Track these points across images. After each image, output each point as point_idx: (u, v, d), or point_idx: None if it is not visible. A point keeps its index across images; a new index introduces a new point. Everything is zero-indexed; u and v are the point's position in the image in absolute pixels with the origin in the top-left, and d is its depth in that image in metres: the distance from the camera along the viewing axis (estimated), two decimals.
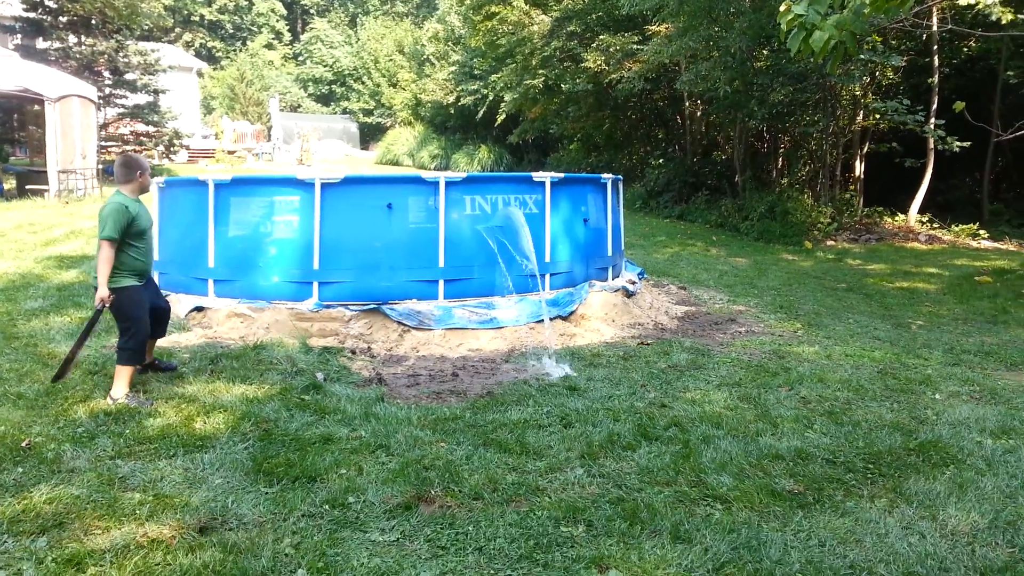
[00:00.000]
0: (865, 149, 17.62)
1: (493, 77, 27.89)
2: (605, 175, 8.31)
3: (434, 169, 35.92)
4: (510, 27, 21.27)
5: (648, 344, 7.02)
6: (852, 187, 17.71)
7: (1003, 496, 3.95)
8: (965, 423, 5.05)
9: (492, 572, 3.14)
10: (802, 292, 10.48)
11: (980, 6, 13.95)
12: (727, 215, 16.79)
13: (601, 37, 18.19)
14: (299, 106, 57.99)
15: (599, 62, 18.17)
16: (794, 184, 17.50)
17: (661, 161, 20.45)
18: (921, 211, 16.97)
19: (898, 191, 17.89)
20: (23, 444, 4.22)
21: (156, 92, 23.75)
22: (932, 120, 15.70)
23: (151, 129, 23.83)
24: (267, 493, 3.80)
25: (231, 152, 28.33)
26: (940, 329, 8.41)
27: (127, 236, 5.04)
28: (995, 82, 17.38)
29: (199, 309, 7.04)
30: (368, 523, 3.52)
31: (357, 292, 6.86)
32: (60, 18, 22.49)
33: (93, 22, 22.37)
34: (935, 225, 16.73)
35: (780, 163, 18.17)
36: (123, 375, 5.08)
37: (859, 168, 17.71)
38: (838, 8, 7.31)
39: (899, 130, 16.31)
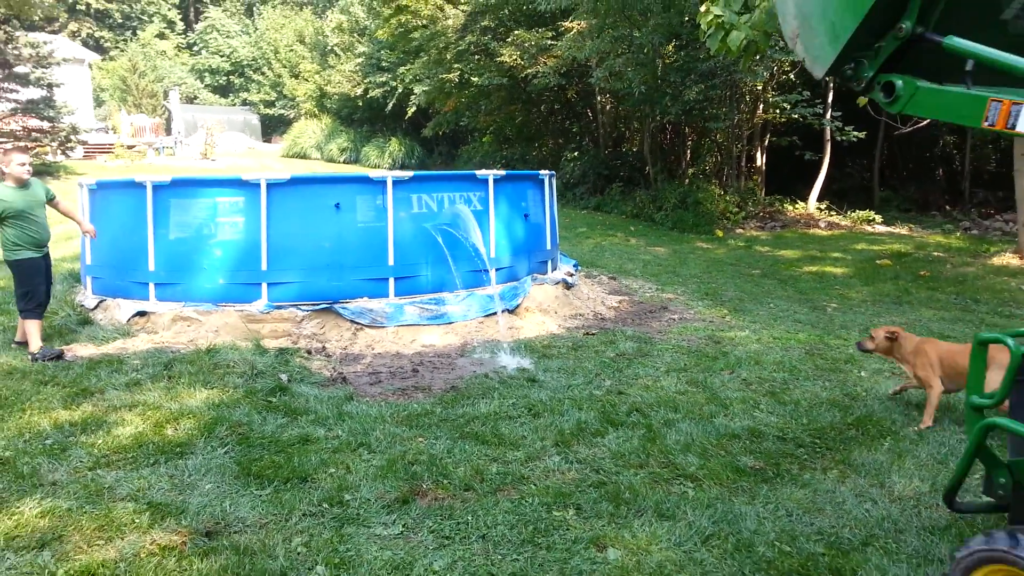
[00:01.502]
0: (766, 141, 18.52)
1: (401, 69, 27.75)
2: (542, 171, 8.55)
3: (343, 163, 35.47)
4: (423, 21, 21.25)
5: (593, 334, 7.30)
6: (755, 177, 18.59)
7: (936, 463, 4.39)
8: (892, 398, 5.53)
9: (499, 557, 3.32)
10: (722, 279, 11.02)
11: None
12: (642, 206, 17.36)
13: (516, 32, 18.42)
14: (195, 98, 56.04)
15: (514, 57, 18.40)
16: (698, 175, 18.24)
17: (576, 154, 20.88)
18: (819, 199, 17.99)
19: (797, 180, 18.88)
20: None
21: (50, 86, 22.56)
22: (829, 112, 16.70)
23: (45, 125, 22.61)
24: (261, 495, 3.86)
25: (131, 147, 27.18)
26: (853, 311, 9.04)
27: (10, 218, 6.09)
28: None
29: (142, 314, 6.90)
30: (369, 518, 3.64)
31: (307, 292, 6.87)
32: None
33: None
34: (833, 212, 17.76)
35: (688, 156, 18.89)
36: (33, 330, 6.20)
37: (760, 159, 18.61)
38: (752, 8, 7.79)
39: (798, 123, 17.24)
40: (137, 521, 3.52)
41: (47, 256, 6.44)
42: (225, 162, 29.38)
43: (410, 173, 7.31)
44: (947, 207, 18.77)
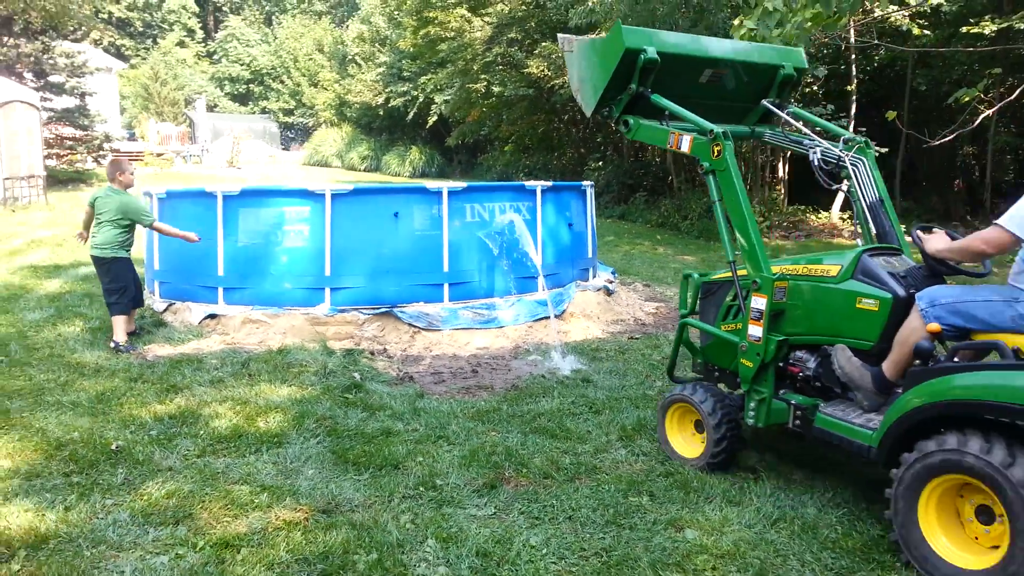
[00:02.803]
0: (788, 152, 18.78)
1: (423, 79, 28.24)
2: (584, 183, 8.91)
3: (364, 171, 36.00)
4: (451, 33, 21.71)
5: (637, 338, 7.64)
6: (778, 187, 18.88)
7: None
8: None
9: (588, 535, 3.67)
10: None
11: (892, 20, 15.31)
12: (667, 215, 17.67)
13: (543, 44, 18.83)
14: (216, 106, 56.82)
15: (541, 68, 18.81)
16: None
17: (600, 163, 21.24)
18: (842, 208, 18.26)
19: (820, 190, 19.10)
20: (112, 447, 4.51)
21: (83, 95, 23.12)
22: (852, 125, 17.00)
23: (79, 133, 23.17)
24: (360, 480, 4.22)
25: (159, 155, 27.71)
26: None
27: (122, 220, 6.71)
28: (903, 87, 18.87)
29: (212, 316, 7.29)
30: (463, 501, 4.00)
31: (367, 297, 7.24)
32: None
33: (15, 20, 21.64)
34: (856, 221, 18.01)
35: None
36: (119, 324, 6.76)
37: (783, 169, 18.91)
38: (781, 23, 8.16)
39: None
40: (257, 501, 3.89)
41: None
42: (251, 170, 29.92)
43: (464, 184, 7.68)
44: (968, 217, 18.99)
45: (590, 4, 15.37)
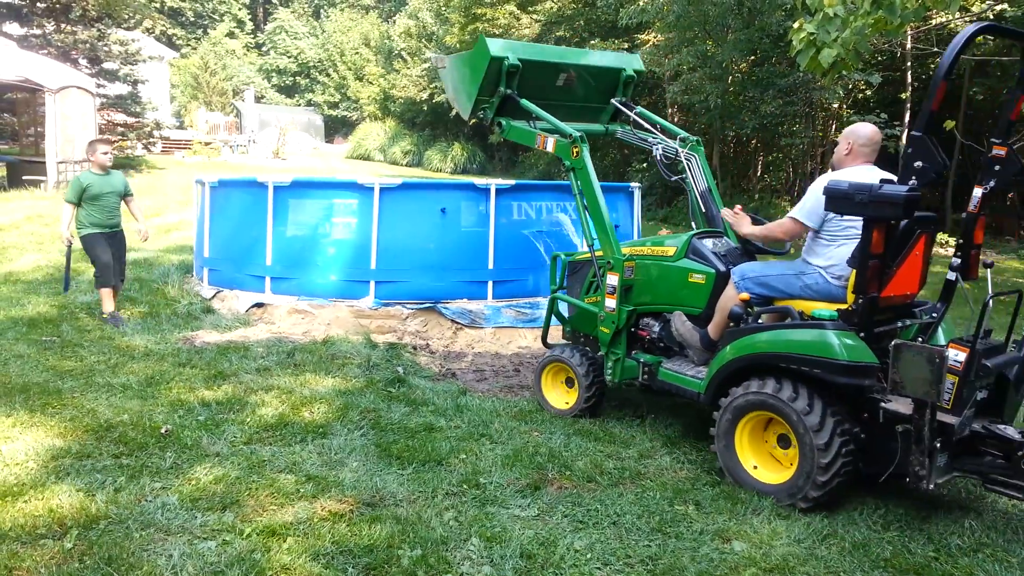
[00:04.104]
0: None
1: None
2: (633, 184, 8.84)
3: (406, 165, 36.20)
4: (498, 30, 21.72)
5: None
6: None
7: None
8: None
9: (633, 542, 3.62)
10: None
11: (951, 27, 14.98)
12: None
13: (591, 44, 18.74)
14: (263, 97, 57.52)
15: None
16: (767, 191, 18.30)
17: (644, 165, 21.09)
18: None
19: None
20: (162, 431, 4.57)
21: (136, 82, 23.53)
22: (905, 133, 16.66)
23: (130, 120, 23.60)
24: (404, 474, 4.22)
25: (207, 143, 28.15)
26: None
27: (84, 199, 6.89)
28: (959, 96, 18.43)
29: (259, 305, 7.36)
30: (506, 500, 3.97)
31: (411, 291, 7.25)
32: (38, 4, 22.18)
33: (73, 7, 22.09)
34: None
35: (759, 171, 18.97)
36: (103, 296, 7.09)
37: None
38: (842, 28, 7.97)
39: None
40: (302, 491, 3.91)
41: (113, 236, 7.13)
42: (295, 162, 30.24)
43: (512, 181, 7.66)
44: (1022, 232, 18.52)
45: (641, 4, 15.23)
